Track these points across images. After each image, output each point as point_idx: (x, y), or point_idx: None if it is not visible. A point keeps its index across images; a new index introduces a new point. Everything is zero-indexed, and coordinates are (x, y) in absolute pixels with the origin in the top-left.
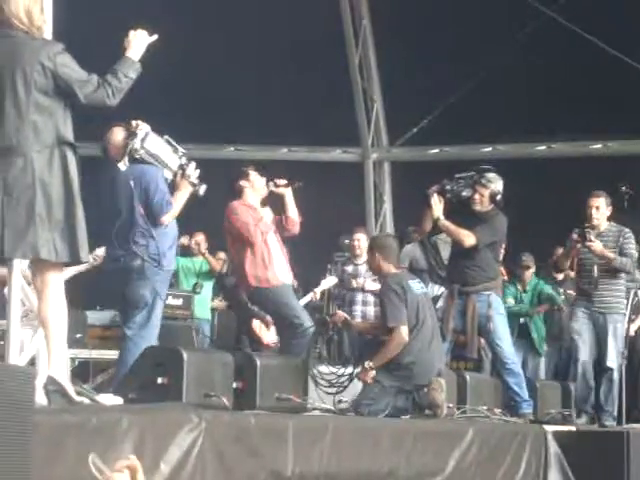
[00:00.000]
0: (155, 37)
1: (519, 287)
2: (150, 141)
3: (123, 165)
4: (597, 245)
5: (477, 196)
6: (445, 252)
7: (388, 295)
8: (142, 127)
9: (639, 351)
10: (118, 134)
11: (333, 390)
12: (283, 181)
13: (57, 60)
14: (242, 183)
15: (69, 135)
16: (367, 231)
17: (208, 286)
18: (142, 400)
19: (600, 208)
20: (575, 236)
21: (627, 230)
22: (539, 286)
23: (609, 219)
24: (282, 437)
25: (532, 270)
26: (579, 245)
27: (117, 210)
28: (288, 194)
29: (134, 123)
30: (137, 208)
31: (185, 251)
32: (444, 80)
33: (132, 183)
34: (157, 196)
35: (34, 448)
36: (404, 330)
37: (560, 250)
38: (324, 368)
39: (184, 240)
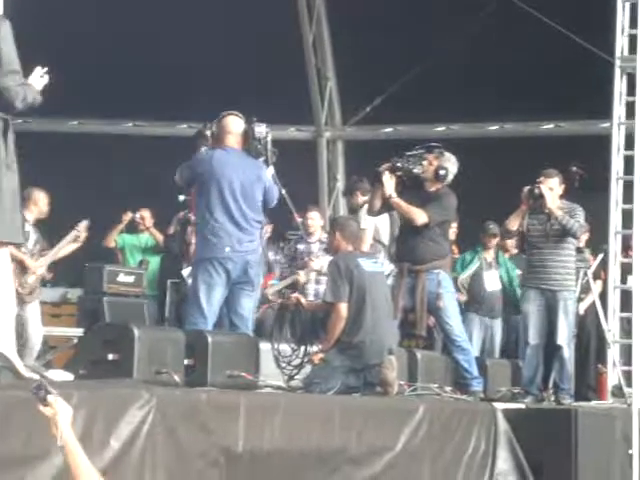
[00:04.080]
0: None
1: (484, 256)
2: None
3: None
4: (548, 198)
5: (425, 162)
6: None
7: (330, 272)
8: None
9: (588, 330)
10: (241, 124)
11: (294, 371)
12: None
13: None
14: None
15: None
16: (321, 210)
17: (154, 262)
18: (93, 376)
19: (554, 189)
20: (525, 192)
21: (579, 208)
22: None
23: (561, 197)
24: (233, 414)
25: (497, 240)
26: (531, 201)
27: (254, 199)
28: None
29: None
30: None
31: (130, 228)
32: (398, 59)
33: (263, 174)
34: (273, 179)
35: None
36: (343, 307)
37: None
38: (286, 348)
39: (129, 216)
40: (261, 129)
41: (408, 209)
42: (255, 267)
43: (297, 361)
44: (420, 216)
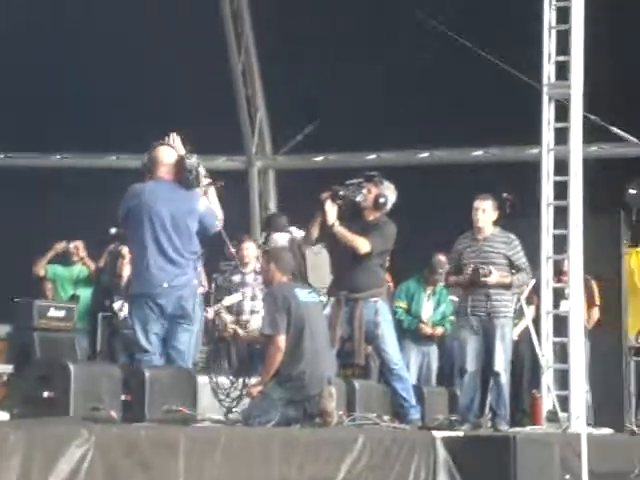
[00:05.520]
0: None
1: (427, 287)
2: None
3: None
4: (493, 278)
5: (365, 191)
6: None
7: (267, 303)
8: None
9: (522, 355)
10: (173, 155)
11: (232, 403)
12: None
13: None
14: None
15: None
16: (254, 240)
17: (86, 294)
18: (27, 415)
19: (486, 211)
20: (469, 274)
21: (514, 237)
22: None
23: (495, 224)
24: (173, 449)
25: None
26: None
27: (187, 230)
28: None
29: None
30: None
31: (62, 259)
32: (327, 88)
33: (197, 205)
34: (208, 209)
35: None
36: (281, 339)
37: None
38: (224, 380)
39: (62, 245)
40: (192, 161)
41: (352, 237)
42: (190, 300)
43: (236, 393)
44: (364, 245)
